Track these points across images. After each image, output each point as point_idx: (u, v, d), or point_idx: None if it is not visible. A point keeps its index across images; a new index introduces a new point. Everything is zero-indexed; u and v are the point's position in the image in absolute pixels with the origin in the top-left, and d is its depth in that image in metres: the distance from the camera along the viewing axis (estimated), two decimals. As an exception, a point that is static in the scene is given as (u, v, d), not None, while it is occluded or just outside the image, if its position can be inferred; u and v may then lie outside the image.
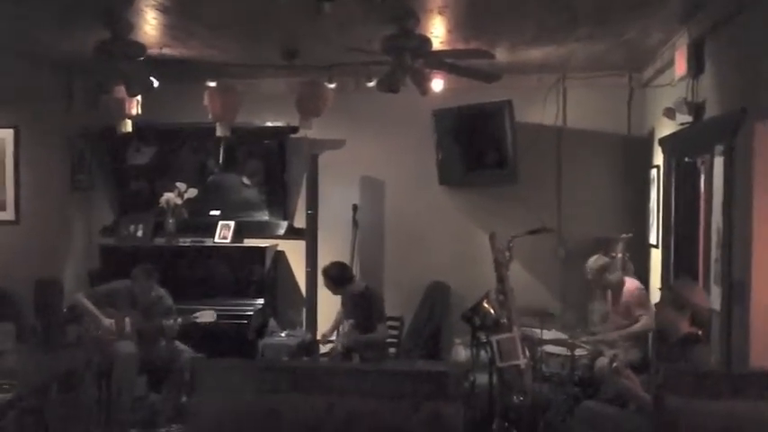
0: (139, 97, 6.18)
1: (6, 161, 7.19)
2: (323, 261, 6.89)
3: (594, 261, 6.08)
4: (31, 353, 5.60)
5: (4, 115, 7.16)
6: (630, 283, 6.02)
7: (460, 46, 5.84)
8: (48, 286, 7.09)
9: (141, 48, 5.26)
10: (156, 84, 5.61)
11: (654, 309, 4.94)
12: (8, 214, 7.21)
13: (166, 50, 6.12)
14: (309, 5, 4.25)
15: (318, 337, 6.57)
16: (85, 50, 5.46)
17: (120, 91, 5.76)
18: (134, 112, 6.35)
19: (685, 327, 4.26)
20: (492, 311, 5.59)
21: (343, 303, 6.44)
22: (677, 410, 3.35)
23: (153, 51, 5.88)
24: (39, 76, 7.09)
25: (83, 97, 7.35)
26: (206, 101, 6.69)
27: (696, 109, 5.19)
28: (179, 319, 6.04)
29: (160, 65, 6.12)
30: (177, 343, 6.11)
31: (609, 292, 6.15)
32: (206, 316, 6.10)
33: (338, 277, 6.22)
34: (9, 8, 5.09)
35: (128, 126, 6.42)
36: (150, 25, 5.37)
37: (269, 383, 3.32)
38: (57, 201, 7.42)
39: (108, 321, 5.94)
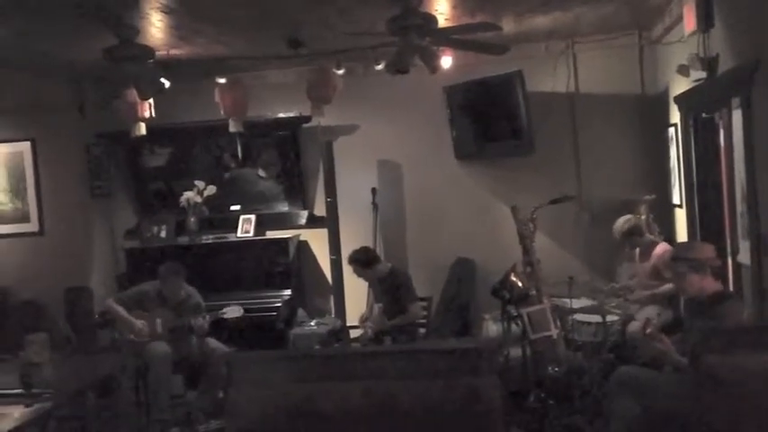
0: (151, 100, 6.20)
1: (26, 173, 7.29)
2: (346, 247, 6.91)
3: (624, 222, 6.08)
4: (65, 361, 5.66)
5: (20, 128, 7.24)
6: (660, 247, 6.01)
7: (466, 20, 5.79)
8: (77, 294, 7.18)
9: (149, 51, 5.27)
10: (167, 85, 5.63)
11: (674, 283, 4.88)
12: (32, 226, 7.32)
13: (174, 51, 6.14)
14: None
15: (357, 322, 6.57)
16: (94, 58, 5.48)
17: (132, 95, 5.78)
18: (147, 114, 6.38)
19: (711, 284, 4.24)
20: (520, 284, 5.59)
21: (371, 286, 6.46)
22: (715, 368, 3.33)
23: (161, 53, 5.90)
24: (50, 87, 7.14)
25: (95, 104, 7.38)
26: (217, 97, 6.72)
27: (709, 64, 5.11)
28: (207, 317, 6.08)
29: (169, 66, 6.14)
30: (210, 339, 6.15)
31: (637, 252, 6.14)
32: (233, 311, 6.13)
33: (364, 258, 6.23)
34: (16, 23, 5.11)
35: (142, 129, 6.46)
36: (156, 27, 5.38)
37: (303, 372, 3.34)
38: (78, 209, 7.48)
39: (140, 323, 5.99)
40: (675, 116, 6.30)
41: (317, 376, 3.30)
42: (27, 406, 4.20)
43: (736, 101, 4.73)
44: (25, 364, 4.68)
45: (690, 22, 5.26)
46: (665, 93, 6.68)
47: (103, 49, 5.11)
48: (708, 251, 4.36)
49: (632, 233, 6.04)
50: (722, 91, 5.00)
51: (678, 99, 6.09)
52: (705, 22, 5.06)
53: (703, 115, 5.70)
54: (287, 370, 3.35)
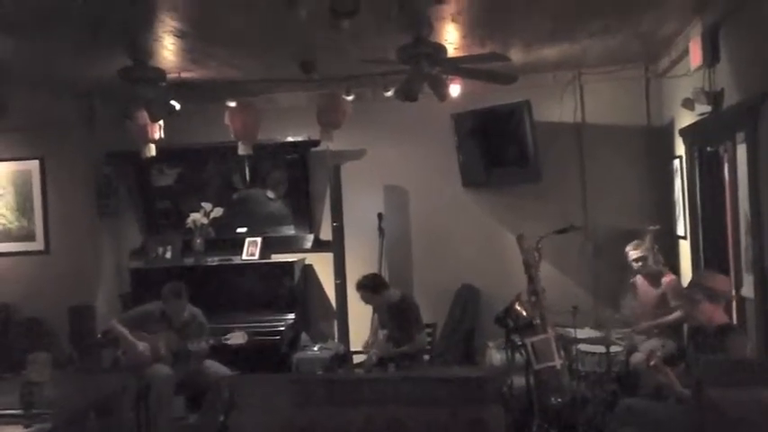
0: (161, 121, 6.25)
1: (34, 192, 7.33)
2: (351, 272, 6.93)
3: (635, 245, 6.14)
4: (67, 380, 5.65)
5: (29, 146, 7.29)
6: (669, 276, 6.11)
7: (475, 50, 5.85)
8: (81, 313, 7.18)
9: (161, 73, 5.33)
10: (177, 107, 5.68)
11: (685, 308, 4.92)
12: (38, 244, 7.35)
13: (186, 74, 6.19)
14: (325, 20, 4.30)
15: (360, 348, 6.57)
16: (106, 78, 5.55)
17: (143, 116, 5.83)
18: (157, 136, 6.44)
19: (720, 316, 4.26)
20: (524, 313, 5.59)
21: (377, 313, 6.46)
22: (718, 401, 3.34)
23: (173, 75, 5.95)
24: (61, 106, 7.19)
25: (105, 123, 7.44)
26: (227, 120, 6.76)
27: (714, 98, 5.17)
28: (211, 341, 6.07)
29: (180, 88, 6.20)
30: (210, 362, 6.14)
31: (641, 282, 6.18)
32: (237, 338, 6.11)
33: (373, 284, 6.23)
34: (30, 40, 5.17)
35: (152, 150, 6.52)
36: (169, 50, 5.44)
37: (307, 397, 3.35)
38: (85, 227, 7.49)
39: (142, 345, 5.98)
40: (681, 148, 6.33)
41: (320, 401, 3.31)
42: (26, 426, 4.18)
43: (740, 135, 4.76)
44: (26, 383, 4.68)
45: (696, 57, 5.32)
46: (671, 125, 6.72)
47: (118, 70, 5.18)
48: (726, 284, 4.41)
49: (646, 258, 6.10)
50: (727, 125, 5.03)
51: (683, 132, 6.13)
52: (711, 56, 5.13)
53: (708, 148, 5.74)
54: (290, 394, 3.36)
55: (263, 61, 6.22)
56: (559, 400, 5.44)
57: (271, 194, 7.86)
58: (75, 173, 7.43)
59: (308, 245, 7.77)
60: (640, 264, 6.18)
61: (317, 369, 6.43)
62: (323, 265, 7.68)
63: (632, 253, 6.20)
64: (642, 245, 6.22)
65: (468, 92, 6.75)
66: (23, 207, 7.40)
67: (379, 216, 7.64)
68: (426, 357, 6.41)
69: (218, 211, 7.54)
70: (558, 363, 5.46)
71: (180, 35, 5.06)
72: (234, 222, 7.82)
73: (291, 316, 7.16)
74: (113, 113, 6.79)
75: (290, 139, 7.54)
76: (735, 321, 4.99)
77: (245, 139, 6.82)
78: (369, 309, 6.57)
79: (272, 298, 7.23)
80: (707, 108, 5.26)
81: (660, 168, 7.04)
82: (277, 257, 7.61)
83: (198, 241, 7.55)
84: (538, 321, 5.56)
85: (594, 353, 5.80)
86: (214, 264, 7.51)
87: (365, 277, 6.28)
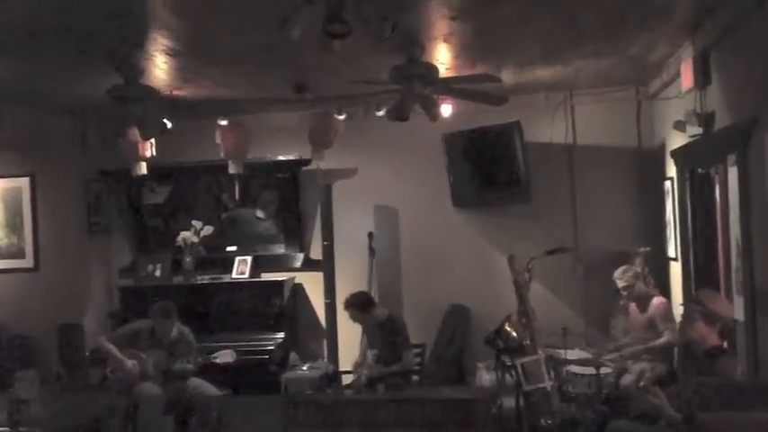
0: (153, 139, 6.24)
1: (24, 209, 7.31)
2: (341, 291, 6.91)
3: (623, 272, 6.09)
4: (55, 398, 5.61)
5: (20, 164, 7.28)
6: (657, 299, 6.05)
7: (467, 70, 5.87)
8: (69, 331, 7.14)
9: (153, 91, 5.32)
10: (169, 125, 5.68)
11: (680, 323, 4.92)
12: (27, 261, 7.33)
13: (177, 92, 6.19)
14: (318, 41, 4.31)
15: (350, 368, 6.53)
16: (98, 95, 5.53)
17: (134, 134, 5.82)
18: (148, 154, 6.43)
19: (713, 338, 4.26)
20: (515, 334, 5.57)
21: (365, 332, 6.43)
22: (708, 424, 3.33)
23: (164, 93, 5.95)
24: (52, 123, 7.18)
25: (97, 141, 7.42)
26: (218, 139, 6.76)
27: (706, 120, 5.19)
28: (199, 359, 6.03)
29: (172, 106, 6.19)
30: (201, 381, 6.10)
31: (631, 305, 6.15)
32: (225, 356, 6.07)
33: (361, 303, 6.21)
34: (22, 59, 5.16)
35: (142, 168, 6.51)
36: (161, 69, 5.44)
37: (296, 418, 3.33)
38: (75, 245, 7.47)
39: (131, 363, 5.94)
40: (672, 170, 6.35)
41: (309, 422, 3.29)
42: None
43: (731, 158, 4.78)
44: (14, 400, 4.65)
45: (687, 79, 5.34)
46: (662, 147, 6.75)
47: (108, 89, 5.17)
48: (727, 309, 4.39)
49: (632, 286, 6.05)
50: (718, 147, 5.05)
51: (674, 154, 6.15)
52: (702, 79, 5.15)
53: (699, 170, 5.76)
54: (280, 415, 3.34)
55: (256, 81, 6.23)
56: (549, 421, 5.40)
57: (261, 213, 7.86)
58: (65, 190, 7.42)
59: (298, 264, 7.76)
60: (626, 293, 6.13)
61: (305, 389, 6.39)
62: (313, 284, 7.65)
63: (619, 282, 6.15)
64: (629, 271, 6.13)
65: (459, 112, 6.77)
66: (13, 224, 7.38)
67: (370, 235, 7.64)
68: (416, 378, 6.37)
69: (208, 230, 7.54)
70: (547, 384, 5.43)
71: (172, 54, 5.07)
72: (224, 241, 7.81)
73: (281, 335, 7.13)
74: (105, 131, 6.78)
75: (280, 157, 7.56)
76: (725, 343, 4.99)
77: (236, 158, 6.82)
78: (358, 328, 6.55)
79: (261, 317, 7.22)
80: (698, 130, 5.28)
81: (651, 190, 7.06)
82: (267, 276, 7.59)
83: (188, 259, 7.53)
84: (528, 342, 5.54)
85: (584, 374, 5.79)
86: (204, 282, 7.49)
87: (353, 296, 6.26)
